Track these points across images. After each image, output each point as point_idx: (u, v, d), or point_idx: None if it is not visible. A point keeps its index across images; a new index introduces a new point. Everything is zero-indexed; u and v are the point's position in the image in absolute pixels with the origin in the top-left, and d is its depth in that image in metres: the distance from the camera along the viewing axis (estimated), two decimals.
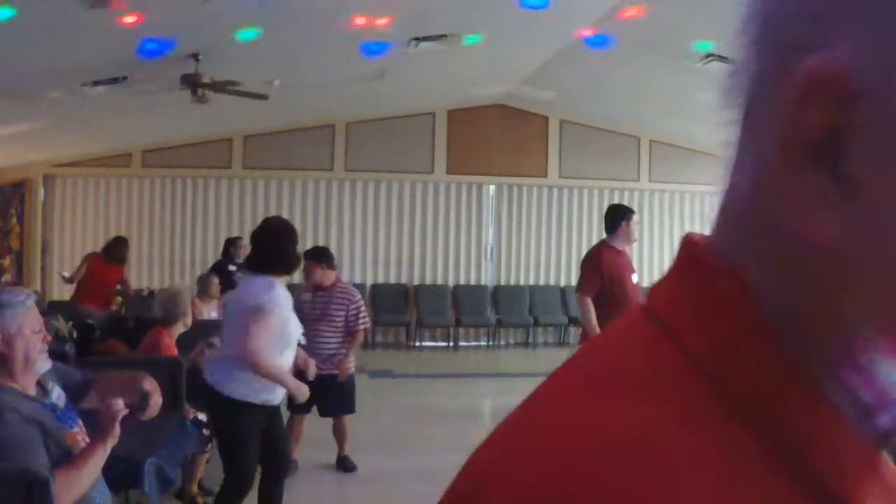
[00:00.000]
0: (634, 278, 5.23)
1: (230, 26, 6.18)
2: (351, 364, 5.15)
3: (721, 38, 6.97)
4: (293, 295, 5.13)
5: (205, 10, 5.55)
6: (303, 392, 3.70)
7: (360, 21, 6.51)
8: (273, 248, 3.58)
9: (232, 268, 7.98)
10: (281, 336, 3.51)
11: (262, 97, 7.55)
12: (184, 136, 10.58)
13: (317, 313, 5.00)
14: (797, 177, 0.34)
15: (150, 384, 2.43)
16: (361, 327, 5.07)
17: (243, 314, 3.48)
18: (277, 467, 3.75)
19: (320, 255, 5.10)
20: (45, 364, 2.29)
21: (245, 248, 9.13)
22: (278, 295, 3.51)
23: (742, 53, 0.38)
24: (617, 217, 5.42)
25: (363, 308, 5.13)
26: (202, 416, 4.12)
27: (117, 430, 2.28)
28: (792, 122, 0.33)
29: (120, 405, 2.29)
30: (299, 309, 4.94)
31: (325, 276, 5.04)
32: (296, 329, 3.66)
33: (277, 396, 3.65)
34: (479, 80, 9.89)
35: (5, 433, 2.07)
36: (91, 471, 2.21)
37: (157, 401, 2.41)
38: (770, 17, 0.36)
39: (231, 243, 8.73)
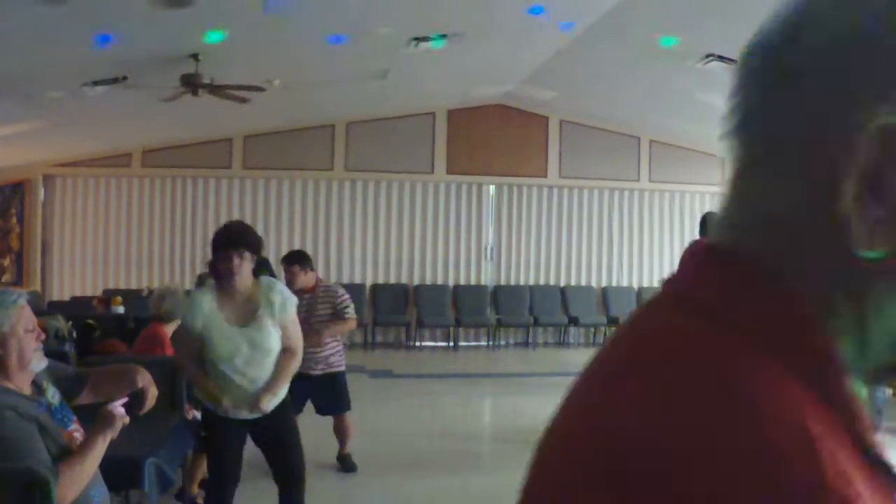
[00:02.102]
0: None
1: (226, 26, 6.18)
2: (336, 350, 5.08)
3: (717, 36, 6.97)
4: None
5: (203, 10, 5.56)
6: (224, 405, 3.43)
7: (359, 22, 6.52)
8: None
9: None
10: (204, 346, 3.38)
11: (260, 89, 7.51)
12: (184, 136, 10.58)
13: (304, 316, 4.97)
14: (862, 205, 0.43)
15: (143, 378, 2.43)
16: (347, 318, 5.02)
17: None
18: (288, 477, 3.61)
19: (301, 259, 5.08)
20: (40, 363, 2.30)
21: None
22: (188, 307, 3.44)
23: (792, 97, 0.46)
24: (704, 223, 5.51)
25: (348, 301, 5.06)
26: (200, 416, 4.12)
27: (118, 425, 2.29)
28: (867, 163, 0.43)
29: (122, 411, 2.29)
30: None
31: (308, 279, 5.04)
32: (224, 345, 3.38)
33: (235, 412, 3.44)
34: (479, 80, 9.89)
35: (4, 431, 2.07)
36: (92, 464, 2.22)
37: (153, 393, 2.41)
38: (845, 73, 0.44)
39: None
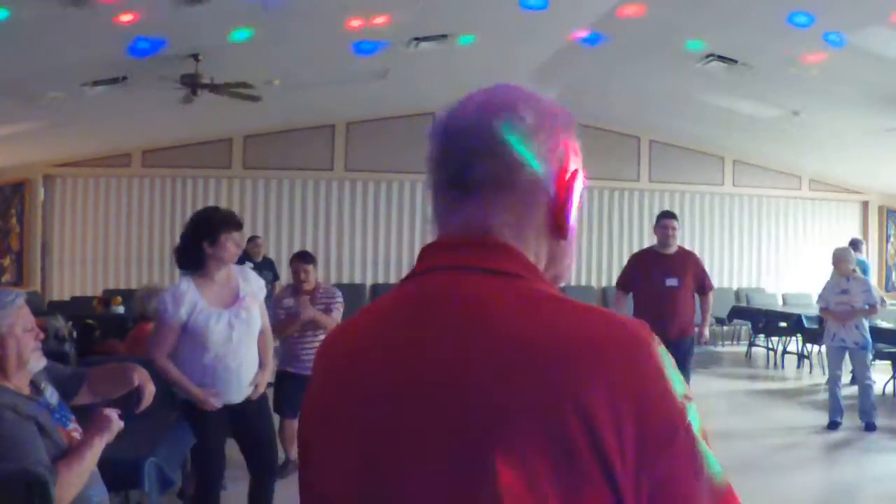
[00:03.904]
0: (669, 281, 5.84)
1: (228, 26, 6.18)
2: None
3: (715, 36, 6.98)
4: (278, 299, 5.12)
5: (202, 10, 5.56)
6: (207, 403, 3.35)
7: (356, 23, 6.52)
8: (181, 245, 3.42)
9: (249, 266, 7.95)
10: (188, 338, 3.33)
11: (256, 99, 7.51)
12: (184, 136, 10.58)
13: (298, 312, 4.98)
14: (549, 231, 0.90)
15: (139, 375, 2.43)
16: (333, 313, 4.96)
17: None
18: (262, 469, 3.61)
19: (311, 258, 5.09)
20: (39, 362, 2.30)
21: (262, 247, 9.15)
22: (171, 298, 3.31)
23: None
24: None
25: (340, 304, 5.04)
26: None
27: (114, 429, 2.29)
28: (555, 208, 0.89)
29: (116, 417, 2.29)
30: (275, 315, 4.82)
31: (313, 279, 5.05)
32: (219, 328, 3.34)
33: (236, 395, 3.45)
34: (479, 80, 9.85)
35: (4, 430, 2.07)
36: (90, 463, 2.22)
37: (150, 390, 2.41)
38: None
39: (248, 241, 8.69)
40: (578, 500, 0.71)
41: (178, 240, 3.56)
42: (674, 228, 5.77)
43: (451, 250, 0.88)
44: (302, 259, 5.07)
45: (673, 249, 5.84)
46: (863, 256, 9.54)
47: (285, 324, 4.91)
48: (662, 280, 5.63)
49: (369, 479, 0.80)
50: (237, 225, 3.40)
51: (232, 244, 3.37)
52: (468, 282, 0.83)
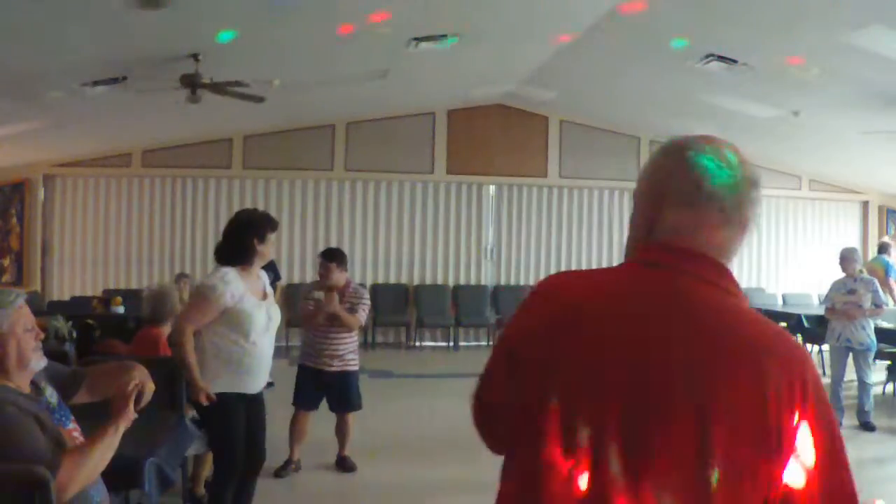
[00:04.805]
0: None
1: (228, 26, 6.18)
2: (353, 349, 5.15)
3: (714, 36, 6.97)
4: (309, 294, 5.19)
5: (202, 10, 5.56)
6: (202, 396, 3.49)
7: (356, 23, 6.51)
8: (227, 241, 3.67)
9: None
10: (230, 322, 3.52)
11: (260, 100, 7.54)
12: (184, 136, 10.58)
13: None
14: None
15: (139, 373, 2.43)
16: (356, 313, 5.04)
17: None
18: (252, 460, 3.72)
19: (338, 257, 5.13)
20: (40, 362, 2.30)
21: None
22: (221, 279, 3.53)
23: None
24: None
25: (366, 303, 5.13)
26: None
27: (131, 410, 2.28)
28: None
29: (131, 385, 2.30)
30: (304, 306, 5.10)
31: (340, 277, 5.09)
32: (260, 317, 3.60)
33: (253, 386, 3.65)
34: (479, 80, 9.88)
35: (6, 422, 2.08)
36: (102, 455, 2.21)
37: (150, 388, 2.41)
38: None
39: None
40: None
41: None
42: None
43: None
44: (323, 256, 5.17)
45: None
46: (890, 259, 9.55)
47: (312, 314, 5.06)
48: None
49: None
50: (277, 225, 3.78)
51: (272, 243, 3.73)
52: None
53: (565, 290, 1.26)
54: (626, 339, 1.15)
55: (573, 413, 1.14)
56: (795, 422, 1.10)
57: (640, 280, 1.21)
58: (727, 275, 1.20)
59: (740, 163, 1.24)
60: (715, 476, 1.07)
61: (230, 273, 3.56)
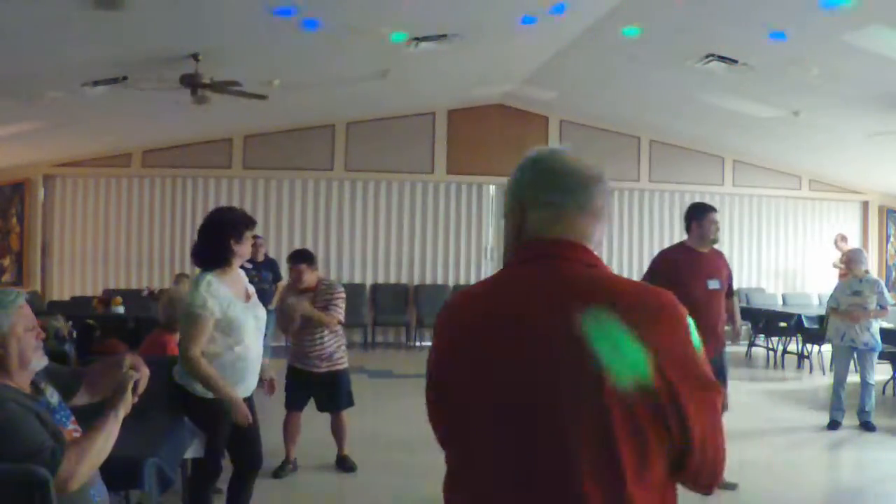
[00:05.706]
0: (711, 283, 4.82)
1: (229, 26, 6.17)
2: (339, 347, 5.10)
3: (715, 36, 6.96)
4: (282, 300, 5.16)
5: (202, 10, 5.55)
6: (241, 411, 3.42)
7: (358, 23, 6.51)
8: (203, 243, 3.51)
9: (248, 266, 7.94)
10: (222, 329, 3.40)
11: (263, 97, 7.55)
12: (184, 136, 10.59)
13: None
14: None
15: (132, 358, 2.43)
16: (331, 312, 4.99)
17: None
18: (248, 465, 3.67)
19: (308, 258, 5.10)
20: (41, 361, 2.30)
21: (263, 247, 9.15)
22: (207, 291, 3.38)
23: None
24: (687, 217, 5.03)
25: (341, 300, 5.06)
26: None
27: (129, 397, 2.29)
28: None
29: (131, 374, 2.30)
30: (281, 312, 5.04)
31: (311, 278, 5.07)
32: (249, 320, 3.49)
33: (245, 389, 3.53)
34: (479, 80, 9.88)
35: (9, 417, 2.09)
36: (104, 443, 2.21)
37: (144, 373, 2.41)
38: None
39: None
40: None
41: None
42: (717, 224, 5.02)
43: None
44: (292, 259, 5.12)
45: (708, 247, 4.99)
46: None
47: (287, 321, 5.03)
48: (706, 283, 4.80)
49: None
50: (254, 223, 3.63)
51: (250, 241, 3.58)
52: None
53: (452, 309, 1.49)
54: (493, 341, 1.32)
55: (460, 412, 1.41)
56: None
57: (512, 278, 1.36)
58: (585, 251, 1.35)
59: (584, 165, 1.40)
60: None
61: (214, 282, 3.41)
